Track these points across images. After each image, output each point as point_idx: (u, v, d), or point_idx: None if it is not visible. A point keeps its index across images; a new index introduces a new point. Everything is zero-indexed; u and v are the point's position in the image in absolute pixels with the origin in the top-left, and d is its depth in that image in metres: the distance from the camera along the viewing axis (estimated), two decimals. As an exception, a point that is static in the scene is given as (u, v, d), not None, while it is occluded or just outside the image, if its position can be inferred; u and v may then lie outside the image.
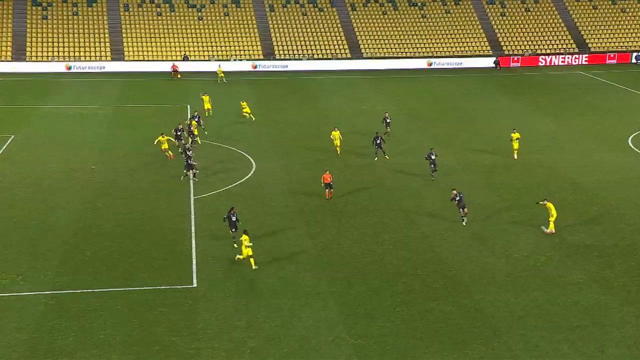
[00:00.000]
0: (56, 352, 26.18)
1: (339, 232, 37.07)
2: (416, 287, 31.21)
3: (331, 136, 49.61)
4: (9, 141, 52.73)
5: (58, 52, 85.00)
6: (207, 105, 60.45)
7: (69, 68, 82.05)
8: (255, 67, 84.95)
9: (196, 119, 53.86)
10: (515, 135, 48.77)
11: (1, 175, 45.24)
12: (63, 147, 51.85)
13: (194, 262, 33.28)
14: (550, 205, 36.60)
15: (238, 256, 32.92)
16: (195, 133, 51.72)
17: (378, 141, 48.10)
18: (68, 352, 26.17)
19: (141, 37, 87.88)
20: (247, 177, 45.38)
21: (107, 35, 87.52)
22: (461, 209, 37.71)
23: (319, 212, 39.71)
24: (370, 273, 32.49)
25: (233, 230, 34.63)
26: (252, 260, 32.27)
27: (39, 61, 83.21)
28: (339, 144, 49.01)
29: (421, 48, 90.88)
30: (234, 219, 34.65)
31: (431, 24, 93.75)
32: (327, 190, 41.06)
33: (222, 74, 76.79)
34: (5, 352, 26.12)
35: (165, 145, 48.12)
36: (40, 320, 28.21)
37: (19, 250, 34.36)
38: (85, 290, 30.52)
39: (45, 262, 33.09)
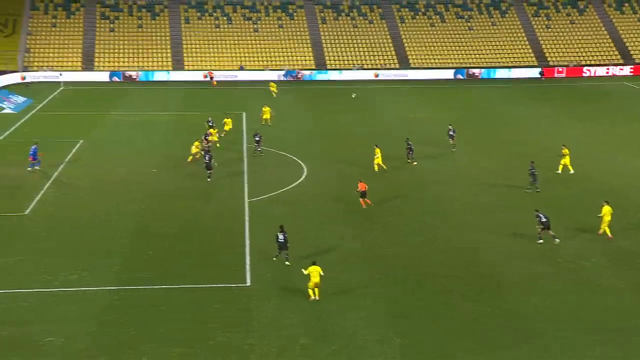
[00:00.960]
0: (119, 344, 26.74)
1: (383, 235, 37.08)
2: (456, 289, 31.03)
3: (375, 156, 47.21)
4: (77, 145, 54.01)
5: (123, 62, 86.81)
6: (267, 116, 60.31)
7: (134, 76, 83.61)
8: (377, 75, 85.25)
9: (210, 123, 55.00)
10: (566, 151, 46.96)
11: (71, 177, 46.35)
12: (126, 151, 52.90)
13: (247, 261, 33.63)
14: (605, 208, 36.08)
15: (314, 297, 29.82)
16: (215, 139, 52.38)
17: (408, 146, 48.89)
18: (130, 345, 26.71)
19: (200, 48, 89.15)
20: (298, 181, 45.68)
21: (168, 46, 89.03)
22: (547, 230, 35.47)
23: (365, 216, 39.75)
24: (412, 274, 32.43)
25: (283, 250, 33.18)
26: (316, 290, 29.54)
27: (106, 70, 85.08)
28: (380, 161, 46.77)
29: (467, 59, 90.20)
30: (281, 238, 33.02)
31: (477, 35, 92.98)
32: (361, 199, 40.38)
33: (275, 89, 74.23)
34: (72, 343, 26.78)
35: (196, 150, 48.87)
36: (105, 314, 28.85)
37: (87, 248, 35.19)
38: (146, 287, 31.12)
39: (110, 259, 33.82)
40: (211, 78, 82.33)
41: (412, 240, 36.50)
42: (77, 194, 43.34)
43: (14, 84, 78.93)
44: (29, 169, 47.03)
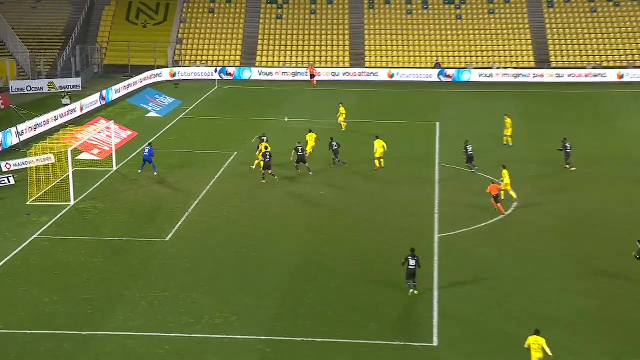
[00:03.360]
0: (269, 408, 27.45)
1: (619, 290, 35.56)
2: None
3: (503, 178, 46.60)
4: (231, 158, 56.26)
5: (291, 56, 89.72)
6: (509, 132, 59.13)
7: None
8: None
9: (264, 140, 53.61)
10: None
11: (222, 199, 48.25)
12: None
13: (435, 315, 33.34)
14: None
15: None
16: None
17: (567, 150, 52.96)
18: (282, 410, 27.32)
19: (386, 40, 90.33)
20: (506, 213, 44.76)
21: (347, 37, 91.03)
22: None
23: (595, 262, 38.29)
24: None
25: (411, 280, 34.94)
26: None
27: (269, 67, 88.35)
28: (509, 187, 46.14)
29: None
30: (412, 264, 34.60)
31: None
32: (493, 200, 44.12)
33: (343, 118, 65.01)
34: (213, 402, 27.85)
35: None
36: (253, 369, 29.74)
37: (236, 287, 36.28)
38: (305, 339, 31.59)
39: (262, 301, 34.71)
40: (312, 76, 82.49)
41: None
42: (228, 218, 45.06)
43: (162, 82, 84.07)
44: (139, 171, 52.04)
